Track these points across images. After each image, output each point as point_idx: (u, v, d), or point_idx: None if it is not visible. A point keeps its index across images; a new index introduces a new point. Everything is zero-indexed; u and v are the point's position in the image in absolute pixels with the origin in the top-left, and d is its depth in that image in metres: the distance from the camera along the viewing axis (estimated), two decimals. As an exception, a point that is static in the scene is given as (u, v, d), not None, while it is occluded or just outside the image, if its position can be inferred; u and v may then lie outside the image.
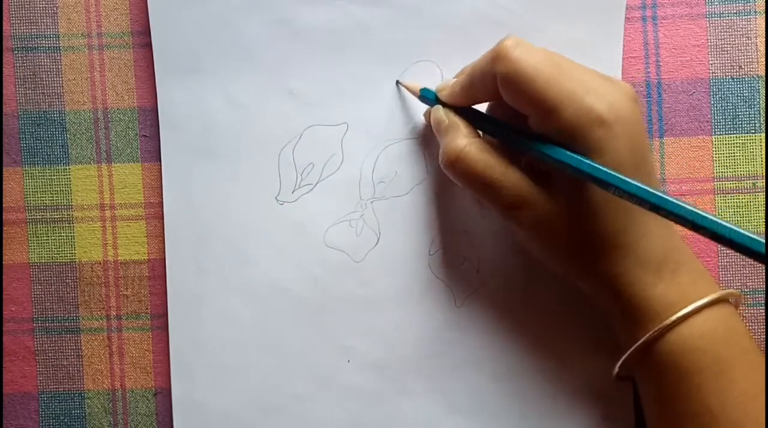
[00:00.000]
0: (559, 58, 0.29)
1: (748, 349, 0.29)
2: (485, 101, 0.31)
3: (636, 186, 0.26)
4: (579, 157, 0.27)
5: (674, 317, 0.28)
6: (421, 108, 0.35)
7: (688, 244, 0.35)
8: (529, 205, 0.29)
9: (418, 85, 0.33)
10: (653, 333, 0.28)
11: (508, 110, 0.30)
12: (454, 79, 0.32)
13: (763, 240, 0.24)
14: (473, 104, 0.31)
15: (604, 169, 0.27)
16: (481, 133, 0.31)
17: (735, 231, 0.24)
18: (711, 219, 0.25)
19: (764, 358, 0.29)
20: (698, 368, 0.28)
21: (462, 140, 0.30)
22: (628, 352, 0.29)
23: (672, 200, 0.26)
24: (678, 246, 0.30)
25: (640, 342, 0.29)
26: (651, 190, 0.26)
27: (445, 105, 0.32)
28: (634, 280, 0.29)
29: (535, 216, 0.29)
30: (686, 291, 0.29)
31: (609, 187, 0.27)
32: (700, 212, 0.25)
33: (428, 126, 0.35)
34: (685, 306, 0.28)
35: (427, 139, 0.35)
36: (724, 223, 0.25)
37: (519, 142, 0.29)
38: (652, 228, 0.29)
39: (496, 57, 0.28)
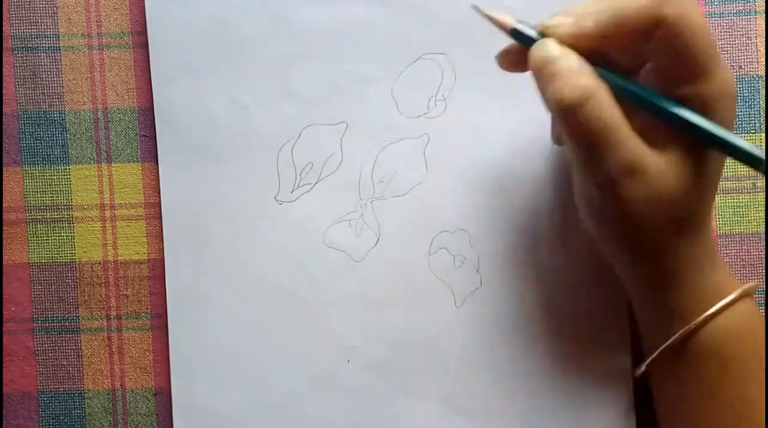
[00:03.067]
0: None
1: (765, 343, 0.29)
2: (616, 50, 0.27)
3: None
4: (721, 129, 0.26)
5: (723, 302, 0.28)
6: (421, 108, 0.35)
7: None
8: (644, 172, 0.26)
9: (510, 20, 0.27)
10: (704, 318, 0.28)
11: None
12: (576, 14, 0.26)
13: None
14: (597, 48, 0.26)
15: (746, 144, 0.25)
16: None
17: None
18: None
19: None
20: (741, 355, 0.28)
21: (590, 78, 0.25)
22: (676, 336, 0.28)
23: None
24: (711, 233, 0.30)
25: (692, 324, 0.28)
26: None
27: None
28: (702, 263, 0.28)
29: (645, 187, 0.26)
30: (726, 279, 0.29)
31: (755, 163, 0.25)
32: None
33: (427, 124, 0.35)
34: (726, 295, 0.28)
35: (427, 138, 0.35)
36: None
37: (657, 101, 0.26)
38: (711, 216, 0.29)
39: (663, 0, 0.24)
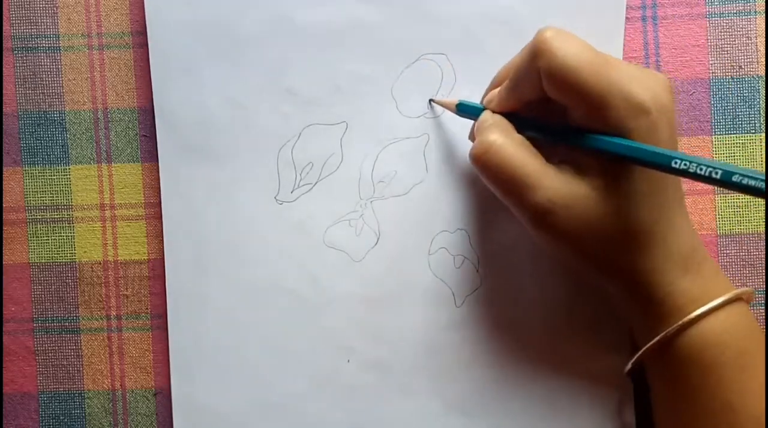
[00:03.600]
0: (598, 51, 0.28)
1: (762, 341, 0.29)
2: (530, 100, 0.30)
3: (700, 160, 0.26)
4: (632, 143, 0.27)
5: (699, 311, 0.28)
6: (421, 108, 0.35)
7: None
8: (567, 205, 0.28)
9: (454, 100, 0.33)
10: (677, 327, 0.28)
11: (547, 109, 0.29)
12: (498, 89, 0.31)
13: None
14: (522, 105, 0.30)
15: (660, 150, 0.26)
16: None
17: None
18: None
19: None
20: (721, 362, 0.28)
21: (495, 133, 0.29)
22: (649, 344, 0.29)
23: (740, 170, 0.25)
24: (699, 243, 0.30)
25: (662, 335, 0.28)
26: (714, 162, 0.25)
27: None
28: (662, 273, 0.28)
29: (572, 217, 0.28)
30: (708, 286, 0.29)
31: (668, 167, 0.26)
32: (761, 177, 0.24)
33: (427, 124, 0.35)
34: (708, 302, 0.28)
35: (427, 138, 0.35)
36: None
37: (563, 135, 0.28)
38: (680, 223, 0.29)
39: (537, 52, 0.27)
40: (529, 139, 0.29)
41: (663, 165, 0.26)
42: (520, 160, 0.28)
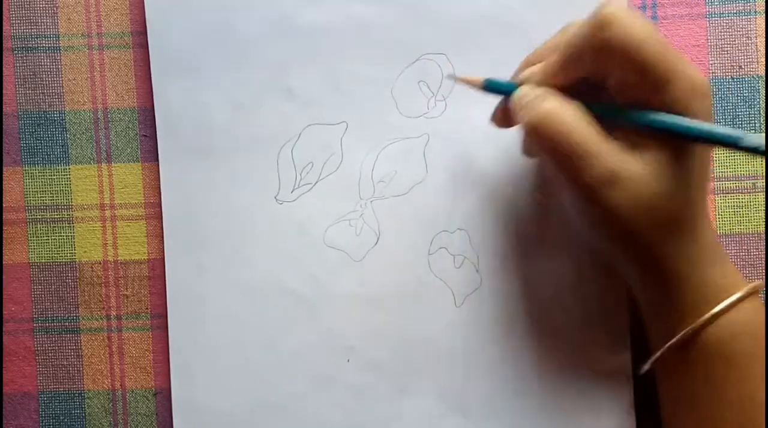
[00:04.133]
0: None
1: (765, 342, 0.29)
2: (583, 75, 0.28)
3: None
4: (692, 121, 0.26)
5: (727, 301, 0.28)
6: (421, 108, 0.35)
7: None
8: (623, 179, 0.26)
9: (479, 77, 0.31)
10: (707, 318, 0.28)
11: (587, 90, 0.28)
12: (541, 64, 0.29)
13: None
14: (570, 82, 0.28)
15: (729, 130, 0.26)
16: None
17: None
18: None
19: None
20: (748, 354, 0.28)
21: (552, 101, 0.27)
22: (679, 335, 0.28)
23: None
24: (715, 233, 0.30)
25: (691, 326, 0.28)
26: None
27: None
28: (696, 262, 0.28)
29: (627, 192, 0.27)
30: (735, 277, 0.29)
31: (729, 145, 0.26)
32: None
33: (427, 124, 0.35)
34: (732, 293, 0.28)
35: (427, 138, 0.35)
36: None
37: (617, 113, 0.28)
38: (708, 213, 0.29)
39: (604, 22, 0.26)
40: None
41: (733, 144, 0.26)
42: (580, 129, 0.27)
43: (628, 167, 0.27)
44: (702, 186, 0.28)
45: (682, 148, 0.27)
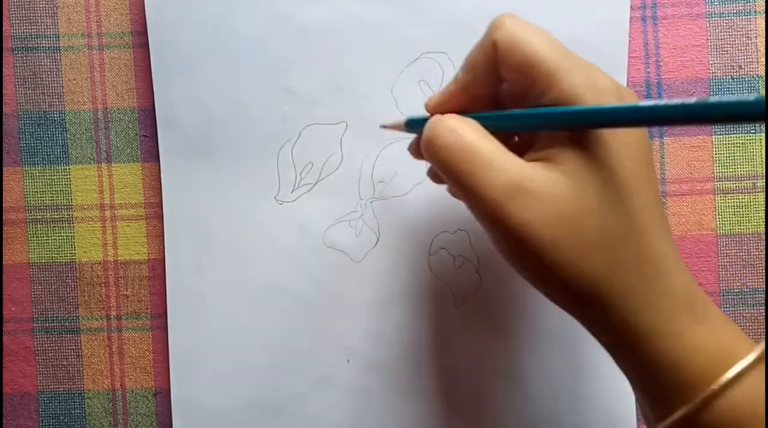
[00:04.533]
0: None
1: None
2: (485, 94, 0.26)
3: (671, 103, 0.20)
4: (604, 106, 0.22)
5: (727, 375, 0.21)
6: (421, 108, 0.35)
7: (685, 246, 0.35)
8: (532, 190, 0.22)
9: (402, 118, 0.29)
10: (700, 399, 0.21)
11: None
12: (442, 90, 0.27)
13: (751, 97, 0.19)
14: (472, 101, 0.26)
15: (641, 104, 0.21)
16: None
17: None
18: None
19: None
20: None
21: (448, 119, 0.24)
22: (667, 422, 0.22)
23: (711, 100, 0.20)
24: (695, 282, 0.23)
25: (681, 411, 0.21)
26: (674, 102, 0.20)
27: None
28: (668, 318, 0.22)
29: (539, 206, 0.22)
30: (725, 340, 0.22)
31: (646, 121, 0.21)
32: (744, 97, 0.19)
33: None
34: (730, 361, 0.21)
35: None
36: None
37: (519, 115, 0.24)
38: (673, 250, 0.23)
39: (493, 27, 0.24)
40: None
41: (640, 119, 0.21)
42: (479, 140, 0.23)
43: (537, 178, 0.22)
44: (652, 214, 0.23)
45: (607, 159, 0.22)
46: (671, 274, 0.22)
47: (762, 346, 0.21)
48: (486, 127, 0.25)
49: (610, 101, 0.22)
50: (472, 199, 0.23)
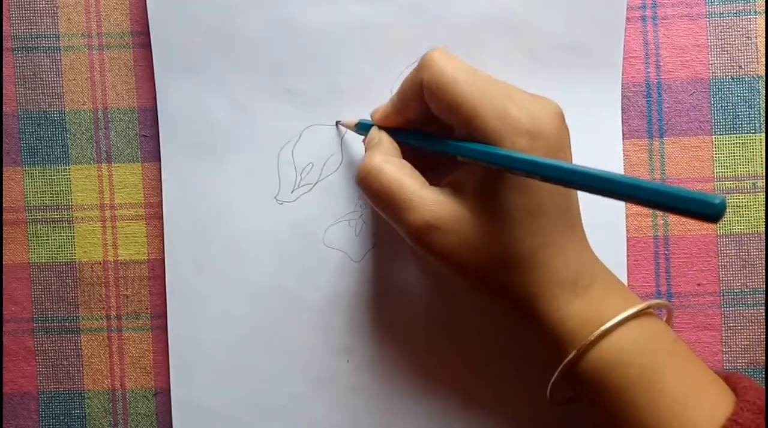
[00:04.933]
0: (483, 73, 0.29)
1: (673, 352, 0.28)
2: (415, 119, 0.31)
3: (569, 167, 0.24)
4: (509, 152, 0.26)
5: (592, 336, 0.27)
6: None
7: (685, 246, 0.35)
8: (439, 227, 0.28)
9: (354, 120, 0.34)
10: (574, 355, 0.27)
11: (439, 133, 0.30)
12: (384, 104, 0.32)
13: (714, 200, 0.21)
14: (406, 122, 0.31)
15: (538, 159, 0.25)
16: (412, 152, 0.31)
17: (680, 196, 0.21)
18: (646, 187, 0.22)
19: (693, 356, 0.28)
20: (626, 383, 0.27)
21: (378, 156, 0.30)
22: (554, 377, 0.28)
23: (615, 177, 0.23)
24: (592, 261, 0.29)
25: (562, 365, 0.28)
26: (581, 168, 0.24)
27: (380, 128, 0.32)
28: (549, 299, 0.28)
29: (449, 238, 0.28)
30: (601, 306, 0.28)
31: (542, 175, 0.25)
32: (640, 184, 0.22)
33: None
34: (602, 323, 0.27)
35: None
36: (667, 190, 0.21)
37: (448, 146, 0.29)
38: (568, 245, 0.28)
39: (422, 65, 0.29)
40: (416, 158, 0.31)
41: (530, 171, 0.25)
42: (398, 183, 0.29)
43: (443, 215, 0.28)
44: (540, 224, 0.28)
45: (501, 189, 0.27)
46: (559, 267, 0.28)
47: (624, 313, 0.27)
48: (411, 146, 0.31)
49: (520, 142, 0.27)
50: (396, 228, 0.30)
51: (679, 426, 0.26)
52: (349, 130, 0.35)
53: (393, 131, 0.31)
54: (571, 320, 0.28)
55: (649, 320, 0.28)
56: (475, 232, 0.28)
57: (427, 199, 0.28)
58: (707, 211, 0.21)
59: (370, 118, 0.33)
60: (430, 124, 0.30)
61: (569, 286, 0.28)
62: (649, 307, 0.28)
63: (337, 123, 0.35)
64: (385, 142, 0.31)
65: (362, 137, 0.33)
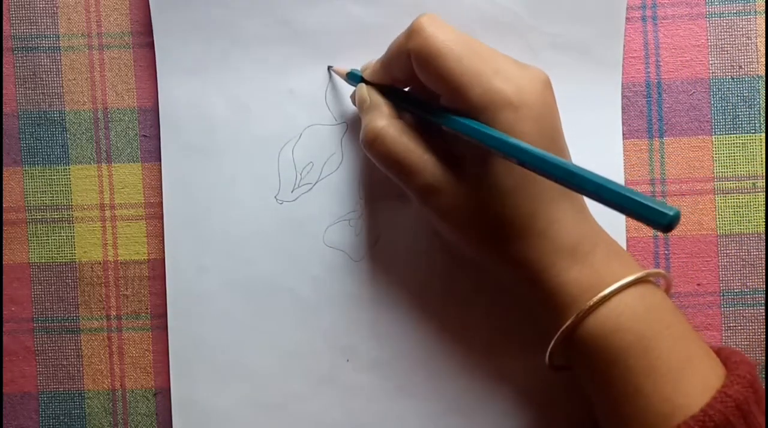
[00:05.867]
0: (472, 40, 0.29)
1: (670, 323, 0.28)
2: (403, 79, 0.31)
3: (539, 155, 0.25)
4: (485, 128, 0.27)
5: (591, 301, 0.27)
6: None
7: (685, 246, 0.35)
8: (443, 190, 0.29)
9: (346, 68, 0.34)
10: (573, 320, 0.28)
11: (427, 94, 0.30)
12: (374, 61, 0.32)
13: (669, 211, 0.22)
14: (392, 82, 0.32)
15: (509, 140, 0.26)
16: (400, 112, 0.32)
17: (637, 201, 0.22)
18: (614, 190, 0.23)
19: (689, 328, 0.29)
20: (624, 348, 0.27)
21: (382, 120, 0.30)
22: (553, 341, 0.29)
23: (577, 171, 0.24)
24: (592, 229, 0.30)
25: (561, 329, 0.28)
26: (554, 159, 0.25)
27: (368, 84, 0.32)
28: (549, 265, 0.29)
29: (448, 203, 0.29)
30: (601, 273, 0.28)
31: (513, 157, 0.26)
32: (603, 182, 0.23)
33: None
34: (601, 289, 0.28)
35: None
36: (626, 193, 0.23)
37: (435, 115, 0.30)
38: (566, 213, 0.29)
39: (411, 33, 0.29)
40: (411, 117, 0.32)
41: (509, 154, 0.26)
42: (404, 146, 0.30)
43: (444, 180, 0.29)
44: (533, 193, 0.28)
45: (492, 160, 0.28)
46: (557, 234, 0.29)
47: (624, 280, 0.28)
48: (403, 107, 0.31)
49: (504, 115, 0.27)
50: (405, 188, 0.31)
51: (672, 393, 0.27)
52: (349, 131, 0.35)
53: (384, 91, 0.32)
54: (570, 285, 0.28)
55: (649, 289, 0.29)
56: (469, 202, 0.29)
57: (431, 164, 0.30)
58: (660, 220, 0.22)
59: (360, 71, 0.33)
60: (417, 84, 0.30)
61: (569, 252, 0.29)
62: (648, 275, 0.28)
63: (329, 68, 0.35)
64: (383, 104, 0.31)
65: (353, 96, 0.34)
